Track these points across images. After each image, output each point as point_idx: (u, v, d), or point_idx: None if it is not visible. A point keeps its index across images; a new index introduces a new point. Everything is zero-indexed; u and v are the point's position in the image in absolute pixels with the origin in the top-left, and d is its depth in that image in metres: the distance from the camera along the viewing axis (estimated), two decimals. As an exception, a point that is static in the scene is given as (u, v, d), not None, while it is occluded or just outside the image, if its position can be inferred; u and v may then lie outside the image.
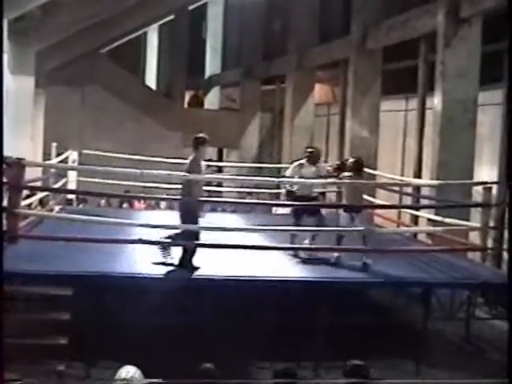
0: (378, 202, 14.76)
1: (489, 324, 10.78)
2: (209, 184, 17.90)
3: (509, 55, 3.27)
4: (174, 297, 8.95)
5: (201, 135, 9.85)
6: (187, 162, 9.68)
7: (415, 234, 13.63)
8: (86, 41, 21.91)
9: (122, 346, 8.49)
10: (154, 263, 9.35)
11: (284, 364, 5.93)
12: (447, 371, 9.30)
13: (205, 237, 9.76)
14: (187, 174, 9.44)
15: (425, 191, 14.18)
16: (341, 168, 10.92)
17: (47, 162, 14.84)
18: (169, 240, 9.51)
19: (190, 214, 9.40)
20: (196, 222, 9.39)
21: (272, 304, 9.12)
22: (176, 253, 9.45)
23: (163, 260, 9.43)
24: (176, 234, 9.53)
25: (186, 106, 31.88)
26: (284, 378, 5.75)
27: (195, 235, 9.47)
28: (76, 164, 14.60)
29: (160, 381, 4.51)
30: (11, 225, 9.63)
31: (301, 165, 10.95)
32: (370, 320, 9.68)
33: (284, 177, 12.31)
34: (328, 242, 10.52)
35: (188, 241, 9.39)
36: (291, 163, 10.67)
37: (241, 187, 17.72)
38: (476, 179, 13.74)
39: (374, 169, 15.98)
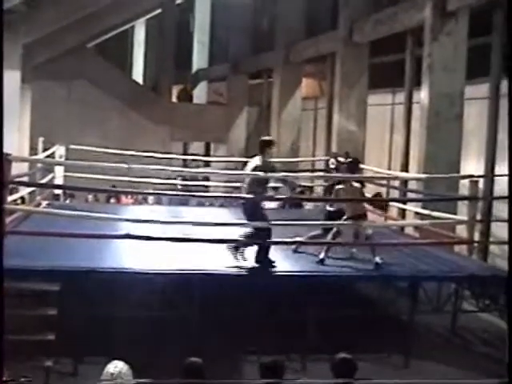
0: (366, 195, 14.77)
1: (476, 317, 10.83)
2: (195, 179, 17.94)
3: (509, 48, 3.28)
4: (161, 291, 8.96)
5: (268, 138, 10.18)
6: (251, 162, 9.71)
7: (402, 228, 13.67)
8: (73, 35, 21.82)
9: (109, 342, 8.49)
10: (229, 266, 9.34)
11: (271, 357, 5.92)
12: (435, 364, 9.35)
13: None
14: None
15: (412, 185, 14.22)
16: (337, 168, 11.06)
17: (34, 156, 14.79)
18: (240, 239, 9.56)
19: (257, 212, 9.54)
20: (265, 219, 9.51)
21: (259, 297, 9.13)
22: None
23: (236, 260, 9.48)
24: (250, 233, 9.56)
25: (174, 99, 31.82)
26: (271, 371, 5.76)
27: (268, 232, 9.53)
28: (63, 159, 14.55)
29: (150, 381, 4.51)
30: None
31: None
32: (358, 313, 9.70)
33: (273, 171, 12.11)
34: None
35: (262, 238, 9.47)
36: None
37: (228, 181, 17.70)
38: (463, 173, 13.78)
39: (362, 163, 16.00)
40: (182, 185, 18.16)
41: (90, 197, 19.23)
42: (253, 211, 9.55)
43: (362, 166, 14.04)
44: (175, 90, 32.64)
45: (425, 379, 8.90)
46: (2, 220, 6.18)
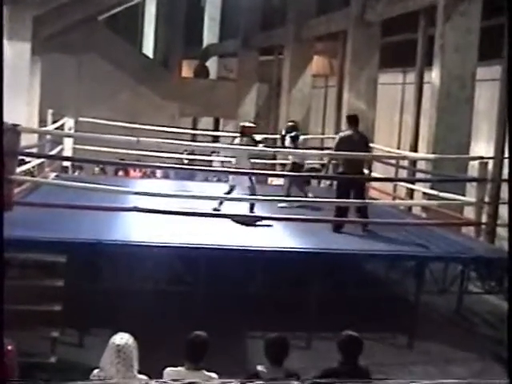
0: (374, 174, 14.76)
1: (481, 298, 10.85)
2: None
3: (509, 48, 3.23)
4: (168, 264, 8.98)
5: (355, 113, 11.50)
6: (336, 137, 11.16)
7: (410, 208, 13.66)
8: (84, 7, 21.74)
9: (115, 314, 8.53)
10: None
11: (276, 333, 5.94)
12: (438, 344, 9.38)
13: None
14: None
15: (421, 165, 14.19)
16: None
17: (43, 128, 14.78)
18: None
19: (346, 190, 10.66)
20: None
21: (264, 274, 9.16)
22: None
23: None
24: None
25: (191, 74, 31.67)
26: (276, 348, 5.78)
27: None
28: (72, 131, 14.54)
29: (161, 381, 4.53)
30: (6, 191, 9.61)
31: (235, 138, 12.20)
32: (364, 292, 9.72)
33: (282, 147, 13.02)
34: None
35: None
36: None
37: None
38: (472, 154, 13.74)
39: (371, 142, 15.97)
40: (188, 159, 18.16)
41: (97, 169, 19.23)
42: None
43: (370, 144, 14.02)
44: (189, 65, 32.54)
45: (428, 359, 8.95)
46: (1, 191, 6.16)
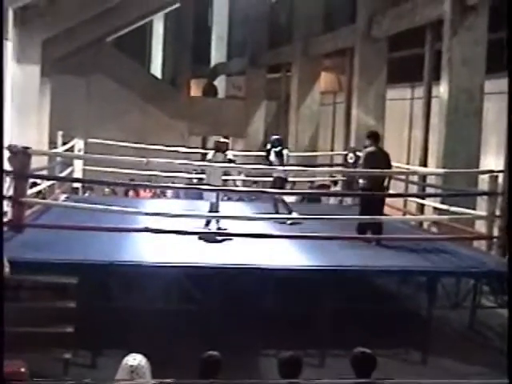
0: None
1: (494, 313, 10.78)
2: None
3: (508, 47, 3.24)
4: (180, 284, 8.97)
5: (376, 130, 11.93)
6: (362, 154, 11.41)
7: (421, 223, 13.62)
8: (92, 29, 21.84)
9: (127, 335, 8.52)
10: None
11: (289, 351, 5.91)
12: (452, 360, 9.32)
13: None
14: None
15: (431, 180, 14.15)
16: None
17: (53, 150, 14.85)
18: None
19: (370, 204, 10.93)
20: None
21: (277, 291, 9.13)
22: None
23: None
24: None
25: (199, 93, 31.78)
26: (289, 366, 5.75)
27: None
28: (82, 153, 14.60)
29: (171, 381, 4.51)
30: (17, 213, 9.65)
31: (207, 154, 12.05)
32: (376, 308, 9.68)
33: (290, 165, 12.90)
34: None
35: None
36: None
37: (248, 176, 17.71)
38: (482, 168, 13.70)
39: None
40: (198, 179, 18.17)
41: (107, 190, 19.27)
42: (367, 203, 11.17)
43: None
44: (197, 84, 32.64)
45: (442, 374, 8.88)
46: (1, 213, 6.19)
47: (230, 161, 11.41)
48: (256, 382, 7.80)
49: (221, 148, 11.48)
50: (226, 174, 12.20)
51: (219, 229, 10.93)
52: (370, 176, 11.06)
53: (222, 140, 11.99)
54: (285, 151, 12.67)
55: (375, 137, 11.56)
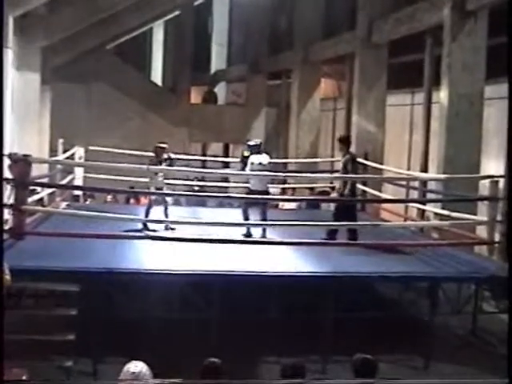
0: (384, 196, 14.74)
1: (496, 318, 10.76)
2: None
3: (509, 48, 3.24)
4: (182, 291, 8.96)
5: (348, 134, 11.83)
6: (340, 161, 11.46)
7: (422, 228, 13.61)
8: (92, 37, 21.89)
9: (129, 342, 8.51)
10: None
11: (292, 358, 5.90)
12: (454, 366, 9.30)
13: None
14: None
15: (431, 185, 14.15)
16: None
17: (54, 158, 14.85)
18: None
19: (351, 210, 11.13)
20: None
21: (278, 298, 9.12)
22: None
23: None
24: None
25: (199, 101, 31.82)
26: (292, 373, 5.74)
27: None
28: (82, 160, 14.60)
29: (174, 381, 4.50)
30: (18, 221, 9.65)
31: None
32: (377, 314, 9.67)
33: (290, 171, 12.82)
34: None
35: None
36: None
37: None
38: (483, 173, 13.69)
39: (381, 163, 15.97)
40: (199, 186, 18.17)
41: (109, 197, 19.26)
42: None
43: (380, 166, 14.02)
44: (198, 92, 32.65)
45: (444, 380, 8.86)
46: (1, 221, 6.19)
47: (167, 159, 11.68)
48: (256, 382, 7.81)
49: (160, 152, 11.75)
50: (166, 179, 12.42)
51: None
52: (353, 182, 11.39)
53: (160, 145, 12.07)
54: (259, 158, 11.81)
55: (348, 141, 12.01)
